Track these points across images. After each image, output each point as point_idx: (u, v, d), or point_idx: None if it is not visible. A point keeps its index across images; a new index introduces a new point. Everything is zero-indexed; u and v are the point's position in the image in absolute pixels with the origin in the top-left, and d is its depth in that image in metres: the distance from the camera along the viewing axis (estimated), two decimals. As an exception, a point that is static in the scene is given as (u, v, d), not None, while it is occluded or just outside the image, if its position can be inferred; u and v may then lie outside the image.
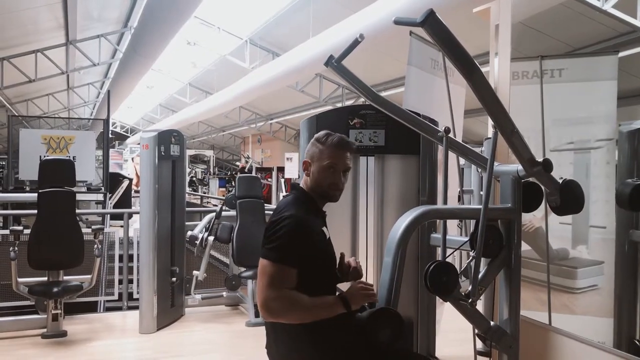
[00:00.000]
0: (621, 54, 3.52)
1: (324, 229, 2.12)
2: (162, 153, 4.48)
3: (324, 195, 2.11)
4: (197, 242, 4.71)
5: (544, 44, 3.68)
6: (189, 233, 4.78)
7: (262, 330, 4.55)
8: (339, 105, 12.88)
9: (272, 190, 14.86)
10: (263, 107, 17.85)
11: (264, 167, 18.19)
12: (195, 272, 4.77)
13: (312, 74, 11.28)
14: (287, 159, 13.46)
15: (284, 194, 13.21)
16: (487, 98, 2.06)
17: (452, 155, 4.08)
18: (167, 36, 8.54)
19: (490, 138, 4.05)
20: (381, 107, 2.42)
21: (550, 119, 3.47)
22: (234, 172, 20.94)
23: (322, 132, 2.15)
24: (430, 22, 1.88)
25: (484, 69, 5.35)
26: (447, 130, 2.49)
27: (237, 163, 26.24)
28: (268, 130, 20.52)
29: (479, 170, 4.76)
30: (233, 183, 23.86)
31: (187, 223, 4.97)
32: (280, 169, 14.33)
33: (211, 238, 4.72)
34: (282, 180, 13.91)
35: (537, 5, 3.93)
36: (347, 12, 8.00)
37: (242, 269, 4.77)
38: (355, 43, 2.37)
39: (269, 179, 15.70)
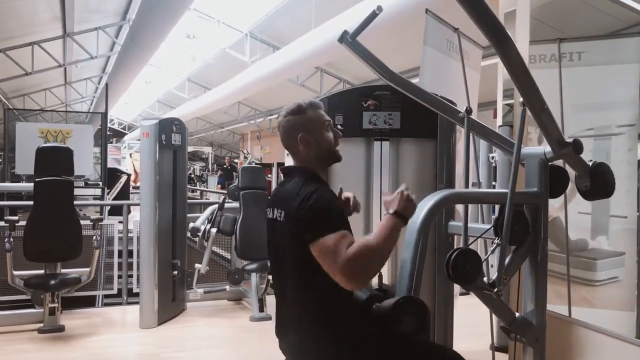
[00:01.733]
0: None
1: None
2: (164, 142, 4.33)
3: (332, 155, 1.97)
4: (200, 234, 4.56)
5: (561, 30, 3.54)
6: (191, 225, 4.63)
7: (266, 325, 4.44)
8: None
9: (272, 186, 14.72)
10: (262, 103, 17.69)
11: (264, 163, 18.04)
12: (197, 265, 4.62)
13: (313, 68, 11.13)
14: (287, 154, 13.29)
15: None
16: (518, 71, 1.92)
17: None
18: (165, 28, 8.43)
19: (503, 126, 3.92)
20: (399, 87, 2.27)
21: (569, 105, 3.33)
22: (223, 166, 20.42)
23: (291, 106, 1.98)
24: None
25: (491, 61, 5.19)
26: (468, 111, 2.35)
27: (236, 160, 26.09)
28: (267, 126, 20.38)
29: (493, 158, 4.61)
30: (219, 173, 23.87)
31: (188, 215, 4.82)
32: (281, 165, 14.21)
33: (214, 230, 4.57)
34: (282, 175, 13.79)
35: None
36: (351, 2, 7.87)
37: (246, 262, 4.63)
38: (372, 16, 2.21)
39: (269, 175, 15.56)
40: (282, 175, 2.07)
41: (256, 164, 17.51)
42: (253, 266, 4.47)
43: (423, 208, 2.09)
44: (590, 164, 2.25)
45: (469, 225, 2.23)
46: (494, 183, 4.77)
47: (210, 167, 24.23)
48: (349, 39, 2.26)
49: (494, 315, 3.61)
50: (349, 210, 2.08)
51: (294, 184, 1.86)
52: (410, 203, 1.86)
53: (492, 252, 2.24)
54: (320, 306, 1.80)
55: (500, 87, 4.24)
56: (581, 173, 2.25)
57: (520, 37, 3.36)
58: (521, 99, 2.06)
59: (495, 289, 2.11)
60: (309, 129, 1.93)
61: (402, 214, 1.81)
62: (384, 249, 1.72)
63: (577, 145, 2.16)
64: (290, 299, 1.88)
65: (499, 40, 1.83)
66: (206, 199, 13.87)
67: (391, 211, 1.80)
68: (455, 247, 2.12)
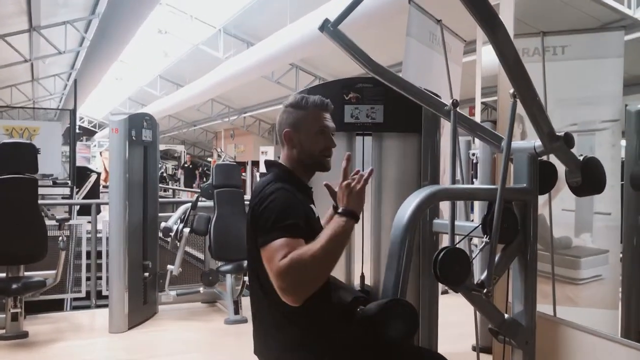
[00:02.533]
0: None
1: (312, 206, 1.86)
2: (134, 138, 4.15)
3: (316, 164, 1.85)
4: (172, 234, 4.39)
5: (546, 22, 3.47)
6: (163, 225, 4.46)
7: (242, 328, 4.29)
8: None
9: (247, 185, 14.50)
10: (236, 100, 17.44)
11: (238, 161, 17.81)
12: (169, 267, 4.45)
13: (288, 65, 10.98)
14: (262, 152, 13.15)
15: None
16: (510, 59, 1.83)
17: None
18: (136, 22, 8.23)
19: (485, 122, 3.83)
20: (383, 79, 2.15)
21: (552, 99, 3.26)
22: (184, 164, 19.59)
23: (296, 97, 1.87)
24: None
25: (469, 58, 5.12)
26: (455, 103, 2.25)
27: (209, 159, 25.75)
28: (242, 124, 20.15)
29: (474, 155, 4.55)
30: (205, 179, 23.44)
31: (160, 214, 4.64)
32: (255, 163, 13.98)
33: (187, 230, 4.41)
34: (257, 174, 13.57)
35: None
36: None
37: (220, 263, 4.47)
38: (356, 2, 2.10)
39: (243, 174, 15.36)
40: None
41: (230, 162, 17.31)
42: (228, 267, 4.32)
43: (410, 205, 1.98)
44: (581, 158, 2.17)
45: (456, 223, 2.13)
46: (474, 180, 4.72)
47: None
48: (330, 28, 2.12)
49: (478, 316, 3.55)
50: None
51: (263, 181, 1.76)
52: (357, 195, 1.68)
53: (481, 250, 2.15)
54: (296, 310, 1.61)
55: (479, 84, 4.17)
56: (572, 168, 2.17)
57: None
58: (512, 90, 1.96)
59: (485, 290, 2.01)
60: (297, 127, 1.80)
61: (351, 211, 1.65)
62: (326, 258, 1.55)
63: (568, 139, 2.08)
64: (263, 303, 1.75)
65: (491, 25, 1.73)
66: (178, 197, 13.62)
67: (340, 209, 1.66)
68: (442, 246, 2.01)
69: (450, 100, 2.25)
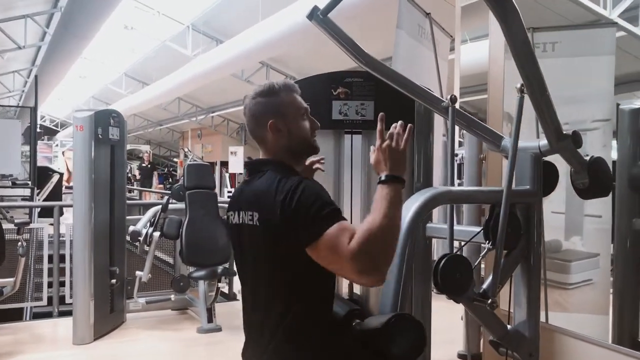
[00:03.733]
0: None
1: None
2: (100, 136, 3.90)
3: (309, 147, 1.67)
4: (141, 238, 4.14)
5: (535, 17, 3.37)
6: (131, 228, 4.20)
7: (216, 337, 4.07)
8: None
9: (216, 186, 14.21)
10: (204, 99, 17.09)
11: (207, 162, 17.44)
12: (138, 273, 4.20)
13: (258, 63, 10.75)
14: (232, 152, 12.87)
15: (228, 189, 12.66)
16: (521, 49, 1.70)
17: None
18: (101, 17, 7.93)
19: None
20: (375, 72, 1.99)
21: (543, 97, 3.15)
22: (141, 164, 18.61)
23: (262, 86, 1.68)
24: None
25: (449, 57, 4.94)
26: (453, 100, 2.11)
27: (175, 159, 25.25)
28: (209, 124, 19.77)
29: (457, 155, 4.44)
30: (171, 180, 22.92)
31: (128, 217, 4.38)
32: (224, 164, 13.66)
33: (157, 234, 4.16)
34: (227, 175, 13.27)
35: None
36: (300, -6, 7.56)
37: (192, 268, 4.24)
38: None
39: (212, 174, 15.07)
40: (246, 171, 1.74)
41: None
42: (201, 273, 4.09)
43: (410, 209, 1.83)
44: (587, 158, 2.05)
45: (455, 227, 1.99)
46: (458, 181, 4.60)
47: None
48: (319, 16, 1.94)
49: (467, 323, 3.43)
50: None
51: (268, 180, 1.53)
52: (397, 154, 1.53)
53: (483, 257, 2.01)
54: (302, 323, 1.49)
55: (457, 83, 4.05)
56: (578, 169, 2.05)
57: (494, 28, 3.16)
58: (519, 84, 1.83)
59: (490, 300, 1.87)
60: (281, 115, 1.61)
61: (394, 175, 1.49)
62: (391, 226, 1.41)
63: (576, 138, 1.96)
64: (266, 314, 1.55)
65: (504, 10, 1.58)
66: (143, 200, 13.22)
67: (382, 177, 1.50)
68: (443, 253, 1.86)
69: (448, 96, 2.11)
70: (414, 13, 2.74)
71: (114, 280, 4.09)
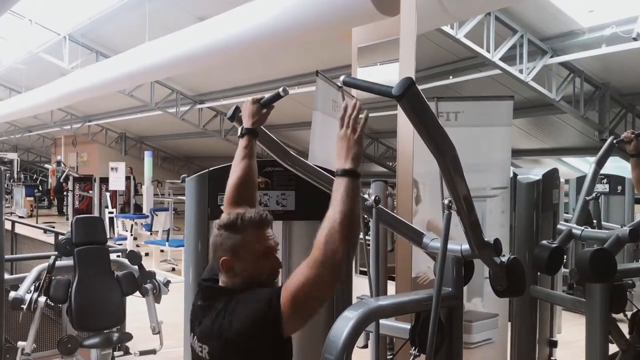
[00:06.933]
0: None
1: None
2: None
3: (262, 287, 1.59)
4: (24, 306, 3.72)
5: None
6: (12, 295, 3.76)
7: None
8: (172, 110, 11.93)
9: (94, 205, 13.24)
10: (80, 108, 16.00)
11: (83, 175, 16.31)
12: (20, 343, 3.78)
13: (147, 82, 10.27)
14: (112, 169, 12.12)
15: (110, 210, 11.89)
16: (457, 181, 1.71)
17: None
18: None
19: (376, 181, 3.76)
20: (298, 171, 1.96)
21: (446, 165, 3.26)
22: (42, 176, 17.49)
23: (228, 217, 1.60)
24: (410, 94, 1.47)
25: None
26: (377, 200, 2.11)
27: (47, 165, 23.46)
28: (85, 132, 18.60)
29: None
30: (40, 189, 21.25)
31: (6, 277, 3.94)
32: (104, 180, 12.82)
33: (42, 299, 3.76)
34: (107, 194, 12.46)
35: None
36: (191, 18, 7.33)
37: (84, 334, 3.90)
38: (276, 96, 1.90)
39: (90, 191, 14.03)
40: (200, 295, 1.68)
41: (74, 176, 15.78)
42: (95, 340, 3.76)
43: (342, 331, 1.78)
44: (505, 260, 2.12)
45: (389, 324, 2.01)
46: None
47: (15, 175, 21.38)
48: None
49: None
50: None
51: (217, 320, 1.52)
52: (356, 141, 1.51)
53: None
54: None
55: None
56: (496, 272, 2.12)
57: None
58: (447, 200, 1.85)
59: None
60: (236, 254, 1.54)
61: (350, 170, 1.47)
62: (354, 212, 1.44)
63: (498, 247, 2.02)
64: None
65: (442, 152, 1.64)
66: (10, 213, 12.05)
67: (339, 170, 1.48)
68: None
69: (372, 198, 2.12)
70: (329, 90, 2.72)
71: (-11, 352, 3.67)
